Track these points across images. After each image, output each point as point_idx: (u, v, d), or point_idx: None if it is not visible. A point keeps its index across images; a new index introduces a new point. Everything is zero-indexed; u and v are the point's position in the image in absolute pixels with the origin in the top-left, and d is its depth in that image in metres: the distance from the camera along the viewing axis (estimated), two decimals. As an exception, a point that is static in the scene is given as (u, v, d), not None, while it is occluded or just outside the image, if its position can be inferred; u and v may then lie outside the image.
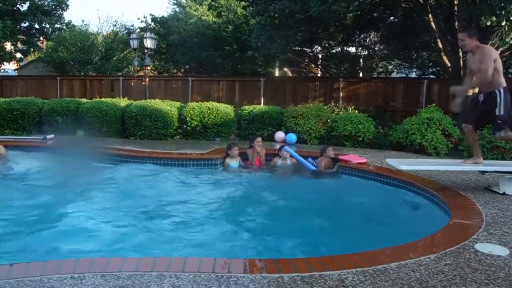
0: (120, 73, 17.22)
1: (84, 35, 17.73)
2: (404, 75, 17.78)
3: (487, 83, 4.74)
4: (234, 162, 7.00)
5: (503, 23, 7.74)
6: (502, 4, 7.37)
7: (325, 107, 9.98)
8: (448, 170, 5.96)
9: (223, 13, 17.24)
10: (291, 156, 6.97)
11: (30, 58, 23.25)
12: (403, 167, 5.30)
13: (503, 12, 7.46)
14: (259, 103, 13.34)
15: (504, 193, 4.89)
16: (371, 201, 5.53)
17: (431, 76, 15.70)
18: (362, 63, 17.29)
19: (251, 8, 12.48)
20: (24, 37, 16.87)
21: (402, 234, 3.93)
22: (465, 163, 5.38)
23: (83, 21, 36.53)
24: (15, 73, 21.17)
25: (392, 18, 13.41)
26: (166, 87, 14.41)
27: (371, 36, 16.19)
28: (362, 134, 8.62)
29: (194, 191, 5.83)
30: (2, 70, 18.75)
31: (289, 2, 10.14)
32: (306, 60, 17.56)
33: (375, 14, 12.84)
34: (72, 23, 17.94)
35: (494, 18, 7.63)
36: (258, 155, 7.10)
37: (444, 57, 9.93)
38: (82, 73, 17.03)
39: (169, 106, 9.64)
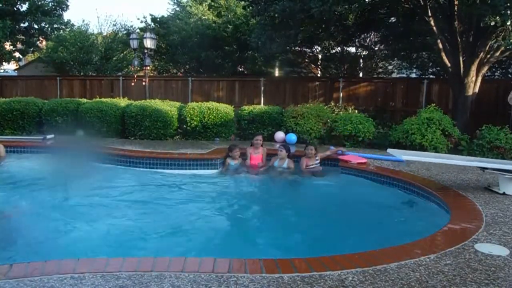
0: (120, 73, 17.22)
1: (84, 35, 17.73)
2: (404, 75, 17.77)
3: None
4: (235, 163, 7.00)
5: (508, 23, 7.73)
6: (508, 4, 7.35)
7: (325, 107, 9.98)
8: (448, 166, 5.95)
9: (223, 13, 17.24)
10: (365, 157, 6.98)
11: (30, 58, 23.26)
12: (405, 157, 5.32)
13: (508, 12, 7.45)
14: (259, 103, 13.34)
15: (504, 193, 4.89)
16: (371, 201, 5.54)
17: (431, 76, 15.70)
18: (362, 63, 17.28)
19: (251, 8, 12.48)
20: (23, 37, 16.87)
21: (402, 234, 3.93)
22: None
23: (83, 20, 36.55)
24: (15, 73, 21.17)
25: (392, 18, 13.40)
26: (166, 87, 14.40)
27: (371, 36, 16.18)
28: (362, 134, 8.61)
29: (194, 191, 5.83)
30: (2, 70, 18.75)
31: (289, 2, 10.13)
32: (306, 60, 17.55)
33: (376, 15, 12.82)
34: (71, 23, 17.95)
35: (498, 18, 7.61)
36: (255, 154, 7.10)
37: (444, 57, 9.93)
38: (82, 73, 17.02)
39: (169, 106, 9.63)
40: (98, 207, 4.98)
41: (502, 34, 8.72)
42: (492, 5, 7.60)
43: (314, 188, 6.35)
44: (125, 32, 20.13)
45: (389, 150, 5.89)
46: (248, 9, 12.94)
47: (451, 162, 5.64)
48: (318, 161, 6.99)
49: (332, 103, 11.29)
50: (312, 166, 6.89)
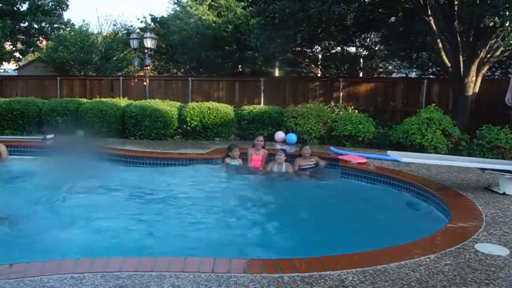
0: (120, 73, 17.22)
1: (84, 35, 17.72)
2: (404, 75, 17.78)
3: None
4: (234, 163, 6.99)
5: (507, 24, 7.72)
6: (507, 5, 7.34)
7: (325, 107, 9.97)
8: (448, 166, 5.95)
9: (223, 13, 17.24)
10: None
11: (30, 58, 23.25)
12: (404, 159, 5.31)
13: (507, 13, 7.44)
14: (259, 103, 13.34)
15: (504, 193, 4.89)
16: (371, 201, 5.54)
17: (431, 76, 15.70)
18: (362, 63, 17.29)
19: (250, 8, 12.48)
20: (23, 37, 16.86)
21: (402, 234, 3.93)
22: None
23: (83, 20, 36.54)
24: (15, 73, 21.16)
25: (392, 18, 13.41)
26: (166, 87, 14.40)
27: (371, 36, 16.18)
28: (362, 134, 8.61)
29: (193, 191, 5.83)
30: (2, 70, 18.74)
31: (289, 2, 10.14)
32: (306, 60, 17.55)
33: (376, 15, 12.82)
34: (71, 22, 17.95)
35: (497, 19, 7.59)
36: (256, 155, 7.09)
37: (444, 57, 9.93)
38: (82, 73, 17.02)
39: (169, 106, 9.63)
40: (97, 206, 4.97)
41: (502, 35, 8.72)
42: (492, 5, 7.59)
43: (314, 189, 6.35)
44: (125, 32, 20.12)
45: (389, 153, 5.88)
46: (248, 9, 12.94)
47: (451, 164, 5.64)
48: (313, 162, 6.95)
49: (332, 103, 11.29)
50: (304, 166, 6.86)
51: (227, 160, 7.02)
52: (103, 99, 10.37)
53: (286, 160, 6.91)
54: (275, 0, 10.78)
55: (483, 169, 5.34)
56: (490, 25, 7.75)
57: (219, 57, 16.70)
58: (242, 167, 7.01)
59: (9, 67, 21.24)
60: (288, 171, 6.81)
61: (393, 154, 5.62)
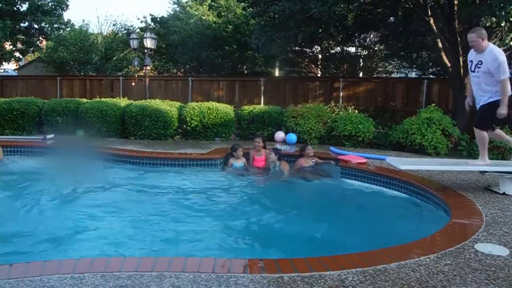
0: (120, 73, 17.22)
1: (84, 35, 17.73)
2: (404, 75, 17.76)
3: None
4: (238, 163, 6.97)
5: (503, 24, 7.72)
6: (502, 5, 7.34)
7: (325, 107, 9.97)
8: (448, 170, 5.95)
9: (223, 13, 17.24)
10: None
11: (30, 58, 23.27)
12: (404, 166, 5.30)
13: (503, 13, 7.44)
14: (259, 103, 13.34)
15: (504, 193, 4.89)
16: (371, 201, 5.54)
17: (431, 76, 15.69)
18: (362, 63, 17.28)
19: (251, 9, 12.48)
20: (23, 37, 16.89)
21: (402, 234, 3.93)
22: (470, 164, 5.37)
23: (83, 20, 36.56)
24: (15, 73, 21.17)
25: (392, 18, 13.40)
26: (166, 87, 14.40)
27: (371, 36, 16.17)
28: (362, 134, 8.61)
29: (194, 191, 5.83)
30: (2, 70, 18.77)
31: (289, 3, 10.13)
32: (306, 60, 17.55)
33: (375, 14, 12.81)
34: (71, 22, 17.98)
35: (494, 19, 7.60)
36: (258, 156, 7.09)
37: (444, 57, 9.92)
38: (82, 73, 17.03)
39: (169, 106, 9.63)
40: (97, 206, 4.97)
41: (499, 35, 8.72)
42: (489, 5, 7.59)
43: (313, 188, 6.35)
44: (125, 32, 20.14)
45: (388, 159, 5.88)
46: (248, 10, 12.94)
47: (452, 169, 5.65)
48: (315, 162, 6.96)
49: (332, 103, 11.28)
50: (306, 167, 6.85)
51: (231, 160, 7.00)
52: (103, 99, 10.37)
53: (279, 159, 6.92)
54: (275, 1, 10.77)
55: (483, 172, 5.35)
56: (487, 25, 7.75)
57: (219, 57, 16.70)
58: (245, 167, 6.99)
59: (9, 67, 21.27)
60: (283, 170, 6.80)
61: (392, 161, 5.61)
